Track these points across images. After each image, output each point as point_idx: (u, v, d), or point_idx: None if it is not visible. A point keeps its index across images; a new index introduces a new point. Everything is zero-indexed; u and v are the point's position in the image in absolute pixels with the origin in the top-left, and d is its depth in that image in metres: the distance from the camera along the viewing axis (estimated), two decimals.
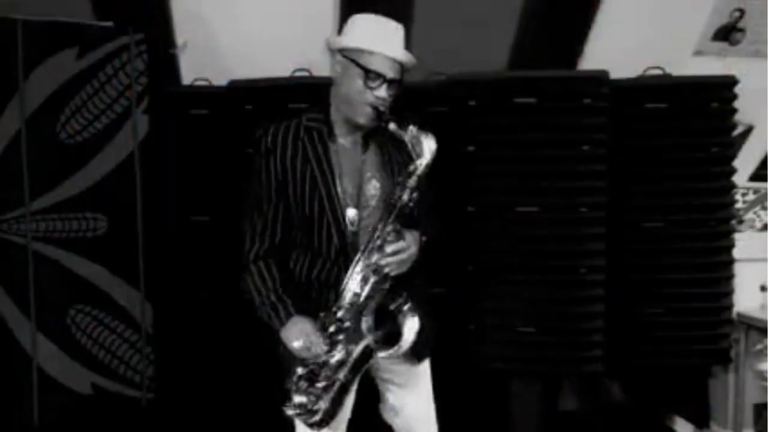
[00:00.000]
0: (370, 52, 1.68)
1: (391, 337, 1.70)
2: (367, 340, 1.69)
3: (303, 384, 1.72)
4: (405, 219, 1.74)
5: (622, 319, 2.72)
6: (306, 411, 1.72)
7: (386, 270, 1.69)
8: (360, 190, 1.77)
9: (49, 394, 2.54)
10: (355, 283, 1.70)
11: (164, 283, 2.68)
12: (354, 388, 1.87)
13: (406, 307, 1.71)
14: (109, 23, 2.56)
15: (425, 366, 1.94)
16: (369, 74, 1.68)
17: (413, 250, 1.72)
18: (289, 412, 1.73)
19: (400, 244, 1.68)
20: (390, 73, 1.69)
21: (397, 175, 1.75)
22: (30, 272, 2.51)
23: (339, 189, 1.76)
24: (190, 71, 2.78)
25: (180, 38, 2.72)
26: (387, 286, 1.72)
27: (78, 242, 2.55)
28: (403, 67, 1.73)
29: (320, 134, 1.78)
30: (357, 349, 1.70)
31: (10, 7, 2.46)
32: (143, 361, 2.63)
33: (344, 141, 1.80)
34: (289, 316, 1.75)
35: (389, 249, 1.67)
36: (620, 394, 3.39)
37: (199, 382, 2.76)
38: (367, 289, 1.70)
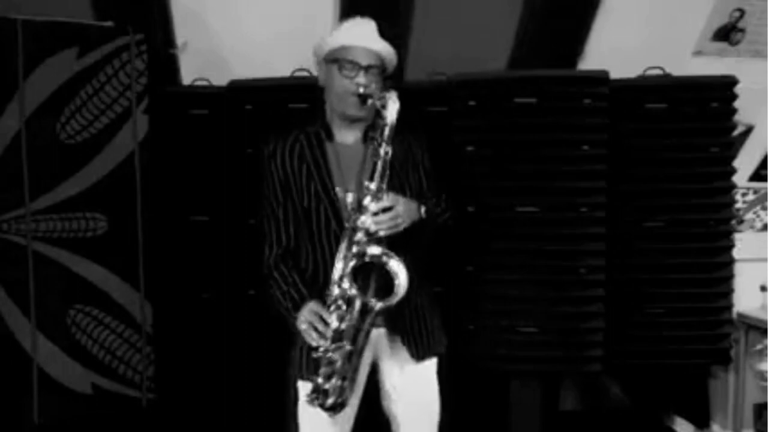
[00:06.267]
0: (341, 47, 1.82)
1: (385, 291, 1.69)
2: (360, 299, 1.67)
3: (316, 366, 1.73)
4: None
5: (622, 319, 2.72)
6: (320, 392, 1.73)
7: (373, 229, 1.69)
8: (359, 179, 1.80)
9: (49, 394, 2.53)
10: (346, 251, 1.71)
11: (164, 283, 2.68)
12: (362, 379, 1.89)
13: (383, 253, 1.70)
14: (109, 23, 2.56)
15: (429, 367, 1.94)
16: (343, 64, 1.80)
17: (400, 208, 1.72)
18: (306, 399, 1.75)
19: (385, 202, 1.70)
20: (363, 60, 1.80)
21: (397, 171, 1.82)
22: (30, 272, 2.51)
23: (335, 178, 1.83)
24: (190, 71, 2.78)
25: (180, 38, 2.72)
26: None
27: (78, 242, 2.54)
28: (381, 57, 1.83)
29: (318, 136, 1.88)
30: (354, 310, 1.69)
31: (10, 7, 2.46)
32: (143, 361, 2.63)
33: (343, 138, 1.88)
34: (302, 300, 1.79)
35: (373, 207, 1.70)
36: (620, 394, 3.40)
37: (199, 382, 2.76)
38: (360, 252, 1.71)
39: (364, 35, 1.83)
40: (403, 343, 1.86)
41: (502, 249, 2.66)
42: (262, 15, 2.64)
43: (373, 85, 1.80)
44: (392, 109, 1.73)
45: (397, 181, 1.83)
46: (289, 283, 1.84)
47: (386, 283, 1.70)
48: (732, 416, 3.02)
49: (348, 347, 1.70)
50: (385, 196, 1.71)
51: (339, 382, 1.72)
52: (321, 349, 1.71)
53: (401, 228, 1.73)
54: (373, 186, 1.71)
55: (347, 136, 1.88)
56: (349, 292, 1.68)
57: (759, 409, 2.98)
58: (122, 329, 2.61)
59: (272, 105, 2.63)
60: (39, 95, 2.49)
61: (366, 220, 1.70)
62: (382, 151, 1.72)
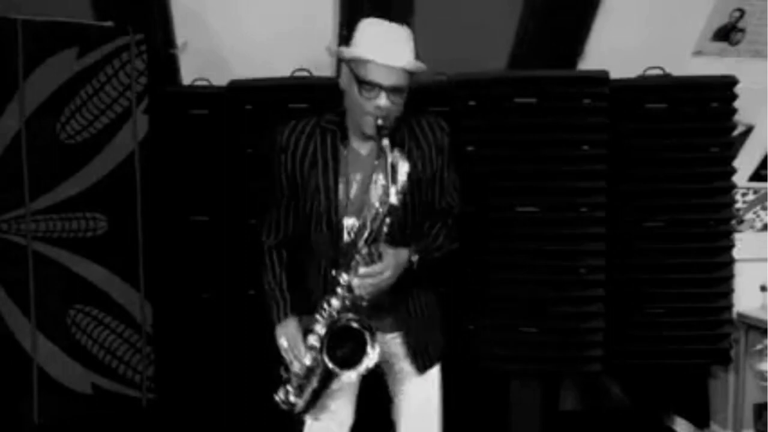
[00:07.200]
0: (366, 61, 1.64)
1: (355, 355, 1.70)
2: (327, 365, 1.70)
3: (289, 377, 1.82)
4: (406, 220, 1.75)
5: (622, 319, 2.72)
6: (288, 402, 1.82)
7: (357, 291, 1.68)
8: (366, 196, 1.76)
9: (49, 394, 2.53)
10: (333, 298, 1.72)
11: (164, 283, 2.68)
12: (355, 392, 1.92)
13: (369, 333, 1.69)
14: (109, 23, 2.56)
15: (433, 374, 1.95)
16: (363, 84, 1.65)
17: (388, 273, 1.68)
18: (276, 398, 1.84)
19: (375, 267, 1.67)
20: (387, 82, 1.64)
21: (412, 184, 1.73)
22: (30, 272, 2.51)
23: (341, 197, 1.76)
24: (190, 71, 2.78)
25: (180, 38, 2.72)
26: (365, 303, 1.72)
27: (78, 242, 2.54)
28: (409, 73, 1.67)
29: (333, 137, 1.78)
30: (321, 367, 1.74)
31: (10, 7, 2.46)
32: (143, 361, 2.63)
33: (358, 146, 1.79)
34: (285, 315, 1.82)
35: (361, 271, 1.67)
36: (620, 394, 3.40)
37: (199, 382, 2.76)
38: (341, 305, 1.71)
39: (390, 50, 1.64)
40: (411, 361, 1.87)
41: (502, 249, 2.66)
42: (262, 15, 2.64)
43: (395, 108, 1.67)
44: (399, 185, 1.60)
45: (410, 204, 1.75)
46: (276, 280, 1.86)
47: (358, 348, 1.71)
48: (732, 416, 3.02)
49: (315, 385, 1.77)
50: (377, 263, 1.67)
51: (303, 404, 1.81)
52: (294, 369, 1.78)
53: (384, 289, 1.71)
54: (365, 251, 1.67)
55: (361, 146, 1.79)
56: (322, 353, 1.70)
57: (759, 409, 2.98)
58: (122, 329, 2.61)
59: (272, 105, 2.63)
60: (39, 95, 2.49)
61: (352, 280, 1.68)
62: (378, 222, 1.64)
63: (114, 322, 2.60)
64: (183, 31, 2.70)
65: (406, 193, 1.64)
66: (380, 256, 1.67)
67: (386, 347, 1.84)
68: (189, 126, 2.73)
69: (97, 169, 2.55)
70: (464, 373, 2.67)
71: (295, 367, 1.78)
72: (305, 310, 1.81)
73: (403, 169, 1.61)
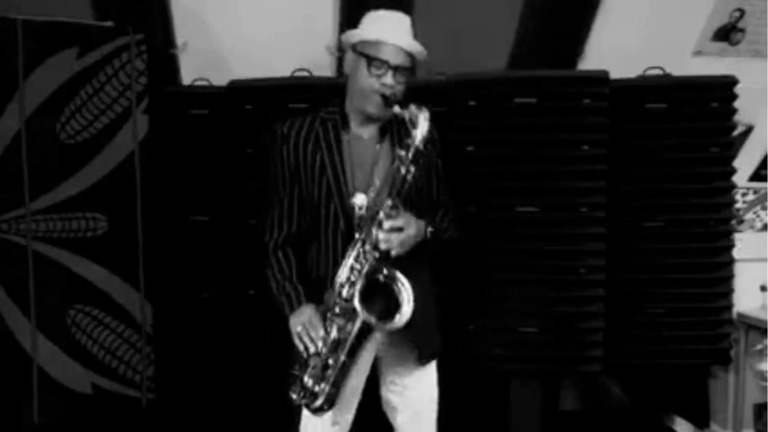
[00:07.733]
0: (375, 42, 1.77)
1: (387, 311, 1.69)
2: (363, 318, 1.67)
3: (306, 367, 1.76)
4: (414, 204, 1.78)
5: (622, 319, 2.72)
6: (309, 394, 1.76)
7: (383, 246, 1.69)
8: (370, 177, 1.80)
9: (49, 394, 2.53)
10: (353, 260, 1.72)
11: (164, 283, 2.68)
12: (362, 379, 1.89)
13: (398, 278, 1.70)
14: (109, 23, 2.56)
15: (432, 369, 1.96)
16: (373, 61, 1.75)
17: (411, 231, 1.73)
18: (293, 395, 1.78)
19: (398, 221, 1.70)
20: (394, 60, 1.75)
21: (416, 177, 1.77)
22: (30, 272, 2.51)
23: (348, 175, 1.80)
24: (190, 71, 2.78)
25: (180, 38, 2.72)
26: (393, 254, 1.71)
27: (78, 242, 2.54)
28: (412, 57, 1.79)
29: (335, 125, 1.85)
30: (354, 328, 1.70)
31: (10, 7, 2.46)
32: (143, 361, 2.63)
33: (359, 132, 1.85)
34: (299, 304, 1.81)
35: (386, 224, 1.69)
36: (620, 394, 3.40)
37: (199, 382, 2.76)
38: (366, 266, 1.70)
39: (398, 32, 1.78)
40: (420, 357, 1.87)
41: (502, 249, 2.66)
42: (262, 15, 2.64)
43: (399, 87, 1.77)
44: (422, 129, 1.70)
45: (414, 188, 1.79)
46: (285, 276, 1.85)
47: (390, 304, 1.70)
48: (732, 416, 3.02)
49: (343, 358, 1.72)
50: (400, 217, 1.71)
51: (328, 388, 1.74)
52: (312, 351, 1.73)
53: (408, 248, 1.73)
54: (389, 203, 1.70)
55: (363, 131, 1.85)
56: (355, 308, 1.67)
57: (759, 409, 2.98)
58: (122, 329, 2.61)
59: (272, 105, 2.63)
60: (39, 95, 2.49)
61: (377, 235, 1.69)
62: (403, 170, 1.70)
63: (114, 322, 2.60)
64: (183, 31, 2.70)
65: (427, 143, 1.71)
66: (400, 210, 1.71)
67: (390, 336, 1.84)
68: (189, 126, 2.73)
69: (97, 169, 2.55)
70: (464, 373, 2.68)
71: (312, 350, 1.73)
72: (320, 297, 1.79)
73: (423, 116, 1.69)
